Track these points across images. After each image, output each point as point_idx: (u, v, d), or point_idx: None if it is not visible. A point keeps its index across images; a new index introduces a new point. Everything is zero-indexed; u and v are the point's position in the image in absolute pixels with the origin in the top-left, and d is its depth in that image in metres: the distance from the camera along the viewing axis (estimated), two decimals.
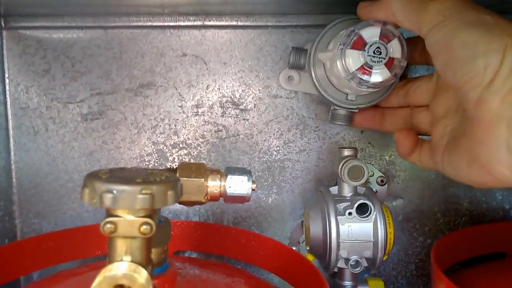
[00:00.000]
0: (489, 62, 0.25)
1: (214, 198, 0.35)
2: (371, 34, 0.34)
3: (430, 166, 0.36)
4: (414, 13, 0.31)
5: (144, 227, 0.24)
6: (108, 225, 0.24)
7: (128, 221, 0.24)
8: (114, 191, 0.23)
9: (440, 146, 0.33)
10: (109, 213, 0.24)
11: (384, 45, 0.34)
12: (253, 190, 0.36)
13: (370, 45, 0.34)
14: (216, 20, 0.52)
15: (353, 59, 0.34)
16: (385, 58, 0.34)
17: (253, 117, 0.54)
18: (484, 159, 0.26)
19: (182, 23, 0.52)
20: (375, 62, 0.34)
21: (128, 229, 0.24)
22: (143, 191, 0.23)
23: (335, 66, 0.36)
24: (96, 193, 0.23)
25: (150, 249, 0.26)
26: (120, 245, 0.25)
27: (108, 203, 0.23)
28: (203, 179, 0.34)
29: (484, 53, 0.25)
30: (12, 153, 0.54)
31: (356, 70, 0.34)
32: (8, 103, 0.53)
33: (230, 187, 0.35)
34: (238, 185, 0.35)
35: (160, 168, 0.54)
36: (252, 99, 0.53)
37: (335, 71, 0.37)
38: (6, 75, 0.53)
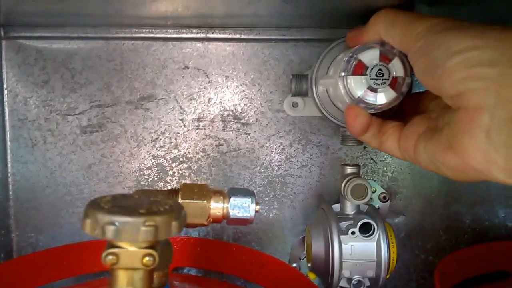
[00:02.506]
0: (465, 57, 0.26)
1: (216, 220, 0.34)
2: (370, 57, 0.34)
3: (389, 150, 0.35)
4: (398, 34, 0.32)
5: (147, 258, 0.24)
6: (110, 257, 0.23)
7: (131, 252, 0.23)
8: (117, 223, 0.22)
9: (415, 132, 0.32)
10: (111, 244, 0.24)
11: (385, 66, 0.34)
12: (256, 212, 0.35)
13: (371, 69, 0.34)
14: (219, 33, 0.51)
15: (356, 85, 0.34)
16: (388, 79, 0.34)
17: (254, 131, 0.53)
18: (462, 145, 0.26)
19: (184, 35, 0.51)
20: (379, 84, 0.34)
21: (131, 260, 0.23)
22: (147, 223, 0.23)
23: (338, 92, 0.36)
24: (98, 224, 0.23)
25: (152, 280, 0.25)
26: (122, 277, 0.24)
27: (111, 235, 0.22)
28: (205, 201, 0.34)
29: (459, 51, 0.26)
30: (9, 165, 0.53)
31: (361, 95, 0.34)
32: (6, 114, 0.52)
33: (233, 209, 0.34)
34: (241, 207, 0.34)
35: (159, 182, 0.53)
36: (254, 113, 0.53)
37: (339, 97, 0.36)
38: (5, 86, 0.52)
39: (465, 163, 0.27)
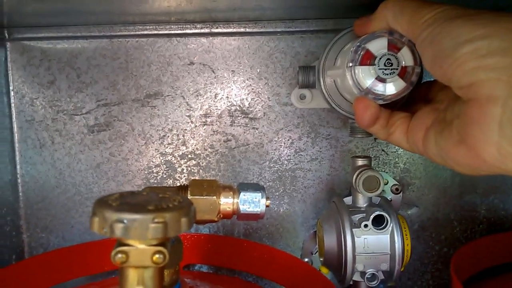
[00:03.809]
0: (475, 47, 0.25)
1: (227, 216, 0.34)
2: (378, 46, 0.33)
3: (397, 142, 0.34)
4: (406, 22, 0.31)
5: (157, 256, 0.23)
6: (119, 255, 0.23)
7: (140, 250, 0.23)
8: (125, 221, 0.22)
9: (423, 124, 0.32)
10: (120, 242, 0.23)
11: (394, 56, 0.33)
12: (267, 206, 0.34)
13: (380, 58, 0.33)
14: (224, 27, 0.51)
15: (365, 75, 0.33)
16: (397, 69, 0.33)
17: (263, 125, 0.52)
18: (474, 138, 0.26)
19: (189, 31, 0.51)
20: (387, 74, 0.33)
21: (140, 258, 0.23)
22: (156, 220, 0.22)
23: (346, 83, 0.35)
24: (107, 222, 0.22)
25: (163, 277, 0.25)
26: (132, 275, 0.23)
27: (119, 233, 0.22)
28: (215, 196, 0.33)
29: (468, 40, 0.25)
30: (18, 167, 0.53)
31: (369, 85, 0.33)
32: (13, 116, 0.52)
33: (243, 204, 0.33)
34: (251, 202, 0.34)
35: (168, 179, 0.53)
36: (262, 107, 0.52)
37: (347, 88, 0.35)
38: (11, 87, 0.52)
39: (478, 157, 0.26)
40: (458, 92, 0.27)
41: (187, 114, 0.52)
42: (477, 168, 0.27)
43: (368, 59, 0.33)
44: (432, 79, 0.36)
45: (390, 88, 0.33)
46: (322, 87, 0.41)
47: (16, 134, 0.52)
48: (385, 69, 0.33)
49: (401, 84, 0.33)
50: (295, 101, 0.45)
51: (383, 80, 0.33)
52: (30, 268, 0.43)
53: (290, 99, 0.51)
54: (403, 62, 0.33)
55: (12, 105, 0.52)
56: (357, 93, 0.34)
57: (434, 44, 0.28)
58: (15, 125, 0.52)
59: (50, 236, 0.54)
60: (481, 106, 0.25)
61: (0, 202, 0.52)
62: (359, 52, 0.33)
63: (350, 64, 0.34)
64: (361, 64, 0.33)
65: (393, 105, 0.36)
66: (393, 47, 0.33)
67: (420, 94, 0.36)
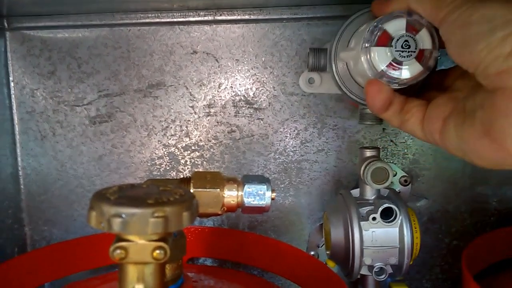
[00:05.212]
0: (508, 32, 0.24)
1: (231, 209, 0.33)
2: (396, 27, 0.31)
3: (411, 130, 0.33)
4: (430, 3, 0.29)
5: (158, 251, 0.22)
6: (118, 251, 0.22)
7: (140, 245, 0.22)
8: (123, 215, 0.21)
9: (440, 114, 0.30)
10: (119, 237, 0.22)
11: (412, 37, 0.31)
12: (272, 199, 0.33)
13: (397, 40, 0.31)
14: (228, 14, 0.49)
15: (380, 57, 0.31)
16: (414, 51, 0.31)
17: (268, 116, 0.51)
18: (500, 131, 0.25)
19: (191, 19, 0.49)
20: (404, 57, 0.31)
21: (140, 254, 0.22)
22: (156, 214, 0.21)
23: (360, 65, 0.33)
24: (104, 217, 0.21)
25: (164, 274, 0.24)
26: (132, 272, 0.22)
27: (117, 228, 0.21)
28: (219, 189, 0.32)
29: (502, 25, 0.24)
30: (19, 159, 0.52)
31: (384, 68, 0.31)
32: (14, 107, 0.51)
33: (248, 197, 0.32)
34: (256, 195, 0.32)
35: (172, 172, 0.52)
36: (267, 97, 0.51)
37: (361, 70, 0.34)
38: (11, 78, 0.51)
39: (504, 150, 0.25)
40: (483, 81, 0.26)
41: (190, 105, 0.51)
42: (502, 162, 0.26)
43: (384, 40, 0.31)
44: (445, 68, 0.34)
45: (406, 72, 0.32)
46: (334, 71, 0.39)
47: (17, 126, 0.52)
48: (402, 51, 0.31)
49: (418, 68, 0.32)
50: (303, 85, 0.43)
51: (399, 63, 0.32)
52: (33, 261, 0.43)
53: (296, 89, 0.50)
54: (421, 45, 0.31)
55: (13, 96, 0.51)
56: (371, 76, 0.32)
57: (464, 28, 0.26)
58: (15, 117, 0.52)
59: (53, 229, 0.53)
60: (507, 97, 0.24)
61: (1, 195, 0.51)
62: (375, 32, 0.31)
63: (366, 45, 0.32)
64: (377, 45, 0.31)
65: (406, 91, 0.34)
66: (412, 29, 0.31)
67: (435, 82, 0.34)
